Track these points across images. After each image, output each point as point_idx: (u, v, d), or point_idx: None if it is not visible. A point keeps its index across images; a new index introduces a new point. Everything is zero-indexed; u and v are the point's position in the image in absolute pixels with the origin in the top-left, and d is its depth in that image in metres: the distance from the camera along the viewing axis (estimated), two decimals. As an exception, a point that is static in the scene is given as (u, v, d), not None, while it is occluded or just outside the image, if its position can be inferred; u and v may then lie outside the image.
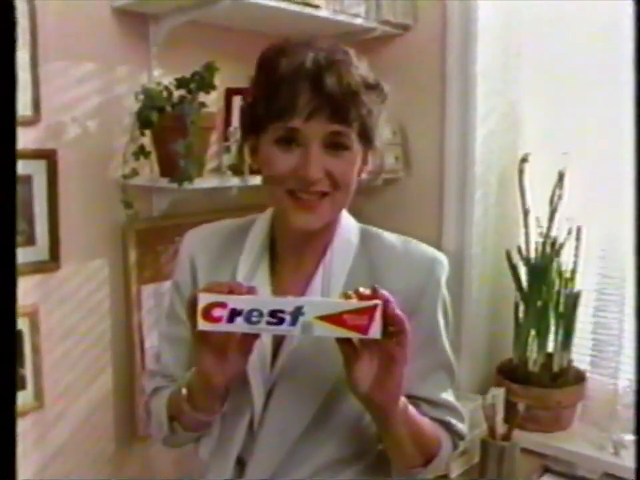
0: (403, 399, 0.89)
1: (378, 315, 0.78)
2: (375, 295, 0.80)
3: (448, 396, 1.02)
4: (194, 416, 0.93)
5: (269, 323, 0.79)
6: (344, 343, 0.83)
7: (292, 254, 1.00)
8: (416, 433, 0.93)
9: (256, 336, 0.84)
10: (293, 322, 0.79)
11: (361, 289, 0.81)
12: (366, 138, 0.92)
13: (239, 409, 0.97)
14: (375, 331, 0.79)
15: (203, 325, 0.79)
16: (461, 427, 1.03)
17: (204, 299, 0.79)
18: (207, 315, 0.79)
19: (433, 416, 0.99)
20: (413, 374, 0.95)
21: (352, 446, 1.00)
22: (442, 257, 1.01)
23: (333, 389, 0.94)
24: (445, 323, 1.01)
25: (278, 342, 0.96)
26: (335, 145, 0.89)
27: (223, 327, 0.79)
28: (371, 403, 0.87)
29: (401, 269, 0.97)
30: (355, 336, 0.80)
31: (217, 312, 0.79)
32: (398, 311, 0.79)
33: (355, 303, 0.80)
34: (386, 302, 0.79)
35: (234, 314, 0.79)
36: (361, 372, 0.83)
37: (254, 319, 0.79)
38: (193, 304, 0.80)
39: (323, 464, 0.98)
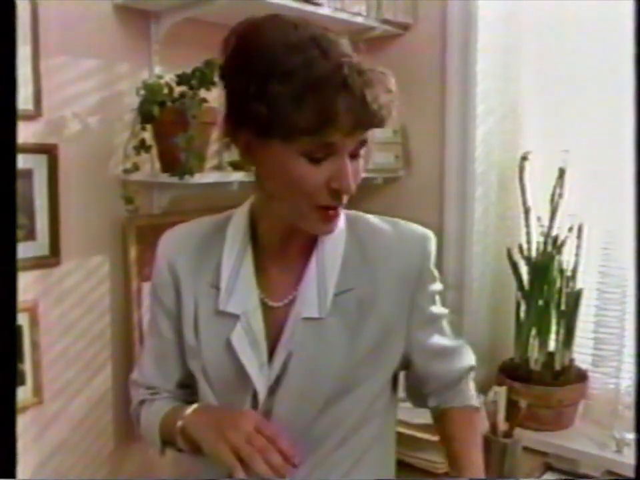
0: None
1: None
2: None
3: (460, 356, 1.14)
4: (192, 451, 0.97)
5: None
6: None
7: (278, 248, 0.99)
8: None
9: None
10: None
11: None
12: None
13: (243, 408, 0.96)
14: None
15: None
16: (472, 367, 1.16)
17: None
18: None
19: (457, 406, 1.10)
20: (427, 352, 1.05)
21: (352, 443, 0.99)
22: (430, 233, 1.05)
23: (333, 387, 0.94)
24: (439, 291, 1.07)
25: (274, 340, 0.96)
26: (357, 153, 0.89)
27: None
28: None
29: (397, 252, 0.99)
30: None
31: None
32: None
33: None
34: None
35: None
36: None
37: None
38: None
39: (323, 459, 0.98)
